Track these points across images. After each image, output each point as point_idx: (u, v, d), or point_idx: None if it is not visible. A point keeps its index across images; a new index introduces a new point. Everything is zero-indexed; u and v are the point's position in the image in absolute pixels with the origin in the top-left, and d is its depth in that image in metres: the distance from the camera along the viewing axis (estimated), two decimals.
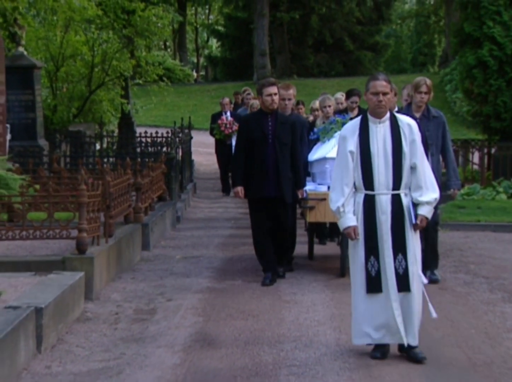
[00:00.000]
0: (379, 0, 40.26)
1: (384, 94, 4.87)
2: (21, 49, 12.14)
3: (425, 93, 6.92)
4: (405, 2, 50.74)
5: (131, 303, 6.46)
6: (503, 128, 13.55)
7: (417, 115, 6.89)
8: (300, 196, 7.27)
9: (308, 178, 7.71)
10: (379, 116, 4.91)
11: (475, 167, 14.34)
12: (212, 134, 13.58)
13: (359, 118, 5.05)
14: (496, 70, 13.26)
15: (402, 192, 4.88)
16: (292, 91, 7.62)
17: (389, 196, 4.85)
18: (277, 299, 6.53)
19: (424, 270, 5.98)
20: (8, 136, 9.96)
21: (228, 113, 13.25)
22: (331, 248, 8.67)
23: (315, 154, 7.75)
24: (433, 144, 6.95)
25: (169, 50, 50.08)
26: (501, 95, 13.29)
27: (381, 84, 4.88)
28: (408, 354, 4.89)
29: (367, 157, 4.85)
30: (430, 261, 6.87)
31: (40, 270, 6.28)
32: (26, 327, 4.92)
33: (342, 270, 7.19)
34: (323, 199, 7.10)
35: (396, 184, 4.85)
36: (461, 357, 4.98)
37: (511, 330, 5.67)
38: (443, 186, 6.93)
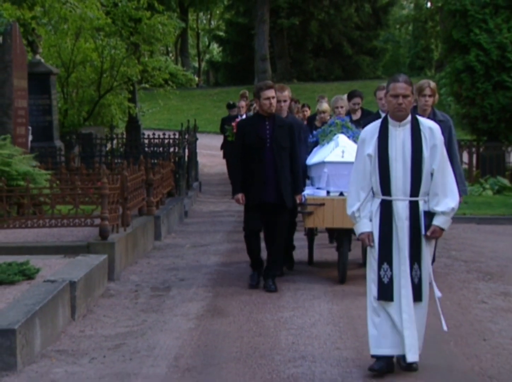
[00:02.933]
0: (377, 6, 41.14)
1: (405, 96, 4.64)
2: (38, 56, 12.98)
3: (429, 96, 6.69)
4: (403, 7, 51.58)
5: (148, 282, 7.30)
6: (489, 129, 14.38)
7: None
8: (298, 201, 7.01)
9: (307, 181, 7.54)
10: (399, 119, 4.69)
11: (464, 166, 15.15)
12: (225, 135, 13.04)
13: (379, 121, 4.83)
14: (482, 74, 14.10)
15: (420, 199, 4.66)
16: (287, 93, 7.44)
17: (407, 203, 4.64)
18: (278, 280, 7.34)
19: None
20: (30, 137, 10.80)
21: (244, 117, 12.78)
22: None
23: (314, 157, 7.50)
24: None
25: (171, 55, 50.95)
26: (487, 98, 14.13)
27: (401, 86, 4.65)
28: (400, 362, 4.77)
29: (385, 161, 4.65)
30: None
31: (68, 254, 7.12)
32: (62, 297, 5.76)
33: (341, 276, 7.04)
34: (321, 204, 6.94)
35: (415, 190, 4.63)
36: (434, 322, 5.69)
37: (481, 302, 6.51)
38: None
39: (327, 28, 39.19)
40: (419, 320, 4.70)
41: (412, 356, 4.63)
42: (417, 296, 4.66)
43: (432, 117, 6.58)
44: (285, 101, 7.38)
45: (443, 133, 6.35)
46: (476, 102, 14.26)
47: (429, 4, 44.74)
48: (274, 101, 6.79)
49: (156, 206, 9.71)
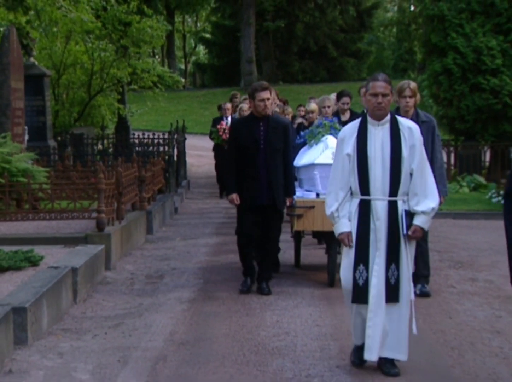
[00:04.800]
0: (361, 9, 41.83)
1: (384, 95, 4.60)
2: (32, 59, 13.45)
3: (409, 97, 6.54)
4: (387, 10, 52.31)
5: (142, 271, 7.81)
6: (466, 129, 14.99)
7: None
8: (288, 204, 6.93)
9: (295, 183, 7.31)
10: (378, 118, 4.64)
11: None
12: (211, 137, 13.50)
13: (358, 120, 4.78)
14: (459, 76, 14.71)
15: (399, 199, 4.61)
16: (271, 93, 7.15)
17: (385, 202, 4.59)
18: None
19: (414, 283, 6.26)
20: (26, 137, 11.27)
21: (229, 119, 12.88)
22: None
23: (302, 159, 7.38)
24: None
25: (157, 57, 51.36)
26: (464, 99, 14.73)
27: (380, 85, 4.61)
28: (382, 366, 4.68)
29: (363, 160, 4.59)
30: (421, 274, 6.66)
31: (67, 244, 7.61)
32: (65, 282, 6.27)
33: (330, 280, 6.94)
34: (311, 206, 6.88)
35: (393, 190, 4.59)
36: None
37: (450, 286, 7.09)
38: None
39: (312, 31, 39.82)
40: (398, 321, 4.60)
41: (369, 355, 4.57)
42: (393, 297, 4.58)
43: (415, 117, 6.52)
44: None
45: (426, 133, 6.41)
46: (454, 103, 14.86)
47: (412, 7, 45.47)
48: (269, 103, 6.70)
49: (148, 202, 10.22)
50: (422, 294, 6.53)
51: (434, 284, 7.12)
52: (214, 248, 9.12)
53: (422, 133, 6.15)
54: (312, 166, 7.14)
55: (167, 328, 5.72)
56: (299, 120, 10.36)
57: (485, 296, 6.74)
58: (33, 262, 6.47)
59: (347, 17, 41.10)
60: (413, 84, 6.64)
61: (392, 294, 4.58)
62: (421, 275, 6.65)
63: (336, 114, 8.46)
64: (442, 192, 6.53)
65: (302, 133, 7.78)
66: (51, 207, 8.02)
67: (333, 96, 9.21)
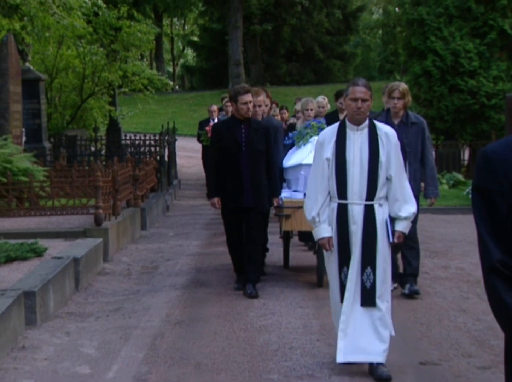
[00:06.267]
0: (347, 12, 42.50)
1: (364, 100, 4.64)
2: (27, 64, 13.95)
3: (398, 98, 6.49)
4: (373, 12, 53.03)
5: (138, 263, 8.35)
6: (446, 128, 15.62)
7: (396, 121, 6.52)
8: (275, 204, 6.97)
9: (283, 184, 7.39)
10: (357, 123, 4.68)
11: None
12: (199, 140, 13.43)
13: (337, 124, 4.83)
14: (438, 78, 15.35)
15: (376, 203, 4.65)
16: (261, 98, 7.37)
17: (362, 207, 4.63)
18: None
19: (402, 283, 6.63)
20: (24, 138, 11.78)
21: (216, 120, 12.67)
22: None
23: (290, 160, 7.40)
24: (412, 152, 6.51)
25: (145, 60, 51.84)
26: (443, 100, 15.37)
27: (360, 90, 4.65)
28: (372, 370, 4.62)
29: (342, 165, 4.63)
30: (410, 273, 6.70)
31: (67, 238, 8.13)
32: (68, 271, 6.80)
33: (319, 280, 6.95)
34: (299, 207, 6.67)
35: (370, 194, 4.63)
36: None
37: (424, 273, 7.63)
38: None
39: (299, 34, 40.42)
40: (376, 326, 4.58)
41: (341, 357, 4.57)
42: (368, 301, 4.58)
43: (405, 119, 6.54)
44: (259, 105, 7.27)
45: (416, 135, 6.49)
46: (433, 104, 15.49)
47: (397, 9, 46.16)
48: (251, 106, 6.75)
49: (141, 199, 10.75)
50: (411, 293, 6.55)
51: None
52: (205, 241, 9.67)
53: (412, 135, 6.49)
54: (299, 166, 7.21)
55: (164, 311, 6.27)
56: (291, 120, 10.63)
57: (456, 281, 7.33)
58: (38, 253, 6.99)
59: (333, 20, 41.69)
60: (403, 86, 6.61)
61: (367, 298, 4.59)
62: (410, 274, 6.67)
63: (335, 113, 8.46)
64: (434, 193, 6.74)
65: (290, 134, 7.86)
66: (52, 204, 8.54)
67: (319, 98, 9.30)
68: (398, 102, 6.50)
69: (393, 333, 4.66)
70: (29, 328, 5.69)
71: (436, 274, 7.64)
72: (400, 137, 5.92)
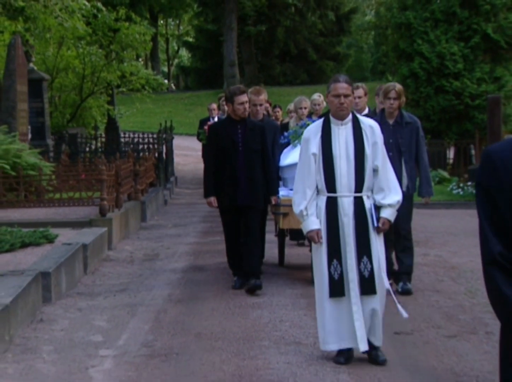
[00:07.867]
0: (340, 14, 43.18)
1: (346, 96, 4.79)
2: (31, 65, 14.55)
3: (394, 99, 6.58)
4: (365, 14, 53.69)
5: (140, 251, 8.98)
6: (432, 128, 16.29)
7: (390, 121, 6.65)
8: (273, 203, 7.05)
9: (279, 183, 7.44)
10: (341, 118, 4.82)
11: None
12: (199, 139, 13.53)
13: (321, 120, 4.95)
14: (425, 80, 16.03)
15: (364, 195, 4.80)
16: (263, 97, 7.45)
17: (352, 199, 4.76)
18: None
19: (396, 281, 6.76)
20: (29, 135, 12.39)
21: (216, 119, 13.01)
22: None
23: (286, 158, 7.45)
24: (407, 151, 6.62)
25: (140, 60, 52.39)
26: (429, 100, 16.05)
27: (342, 86, 4.80)
28: (369, 355, 4.84)
29: (329, 159, 4.76)
30: (404, 271, 6.85)
31: (74, 227, 8.75)
32: (78, 256, 7.42)
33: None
34: None
35: (359, 186, 4.76)
36: None
37: None
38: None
39: (292, 35, 41.04)
40: (377, 310, 4.77)
41: (363, 346, 4.74)
42: (369, 289, 4.73)
43: (400, 119, 6.64)
44: (261, 105, 7.37)
45: (410, 134, 6.60)
46: (420, 104, 16.16)
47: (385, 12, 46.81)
48: (247, 106, 6.81)
49: (141, 193, 11.37)
50: (403, 292, 6.64)
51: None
52: (202, 232, 10.31)
53: (407, 134, 6.59)
54: (295, 165, 7.10)
55: (165, 291, 6.89)
56: (287, 120, 10.75)
57: (433, 266, 7.98)
58: (50, 239, 7.61)
59: (326, 21, 42.30)
60: (398, 87, 6.72)
61: (367, 286, 4.73)
62: (403, 273, 6.81)
63: (309, 114, 8.56)
64: (428, 192, 6.92)
65: (286, 133, 7.90)
66: (60, 196, 9.16)
67: (315, 96, 9.25)
68: (394, 102, 6.60)
69: (405, 315, 4.92)
70: (44, 305, 6.30)
71: (416, 260, 8.25)
72: (395, 137, 6.46)
